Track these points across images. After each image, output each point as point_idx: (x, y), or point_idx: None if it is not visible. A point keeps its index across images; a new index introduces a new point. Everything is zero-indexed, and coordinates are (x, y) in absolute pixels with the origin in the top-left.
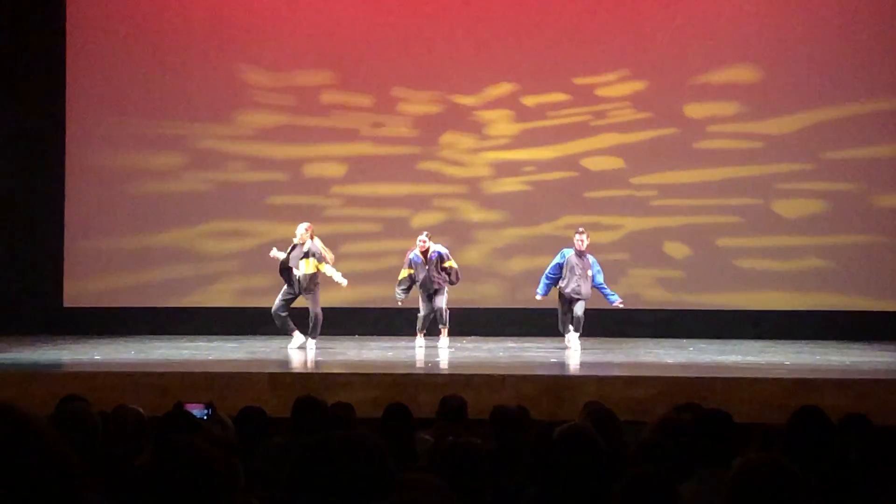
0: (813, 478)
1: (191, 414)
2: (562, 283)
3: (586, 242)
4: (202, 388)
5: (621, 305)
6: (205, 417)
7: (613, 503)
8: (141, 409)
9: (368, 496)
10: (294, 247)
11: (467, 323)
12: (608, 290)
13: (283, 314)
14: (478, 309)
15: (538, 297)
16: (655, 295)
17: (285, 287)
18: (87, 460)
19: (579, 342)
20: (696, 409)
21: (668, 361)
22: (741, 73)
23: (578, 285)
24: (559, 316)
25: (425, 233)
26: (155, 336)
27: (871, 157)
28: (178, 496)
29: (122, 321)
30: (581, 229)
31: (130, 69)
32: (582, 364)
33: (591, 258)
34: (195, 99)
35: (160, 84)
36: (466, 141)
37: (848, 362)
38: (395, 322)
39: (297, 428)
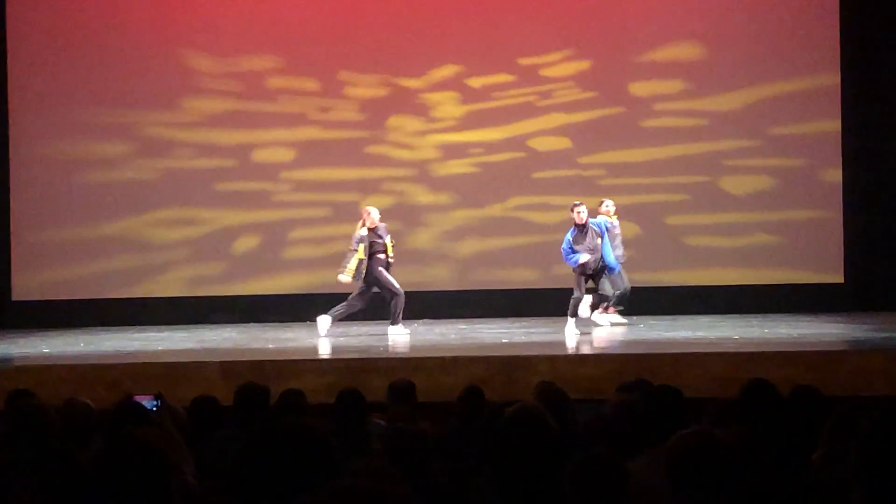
0: (765, 449)
1: (140, 405)
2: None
3: (584, 215)
4: (153, 379)
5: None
6: (154, 409)
7: (564, 482)
8: (90, 403)
9: (314, 482)
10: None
11: (418, 306)
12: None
13: None
14: (428, 292)
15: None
16: None
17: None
18: (39, 455)
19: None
20: (645, 385)
21: (619, 339)
22: (684, 51)
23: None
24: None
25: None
26: (104, 328)
27: (816, 131)
28: (127, 488)
29: (72, 313)
30: (576, 202)
31: (74, 57)
32: (533, 343)
33: (595, 226)
34: (140, 86)
35: (104, 71)
36: (413, 124)
37: (796, 335)
38: None
39: (240, 416)
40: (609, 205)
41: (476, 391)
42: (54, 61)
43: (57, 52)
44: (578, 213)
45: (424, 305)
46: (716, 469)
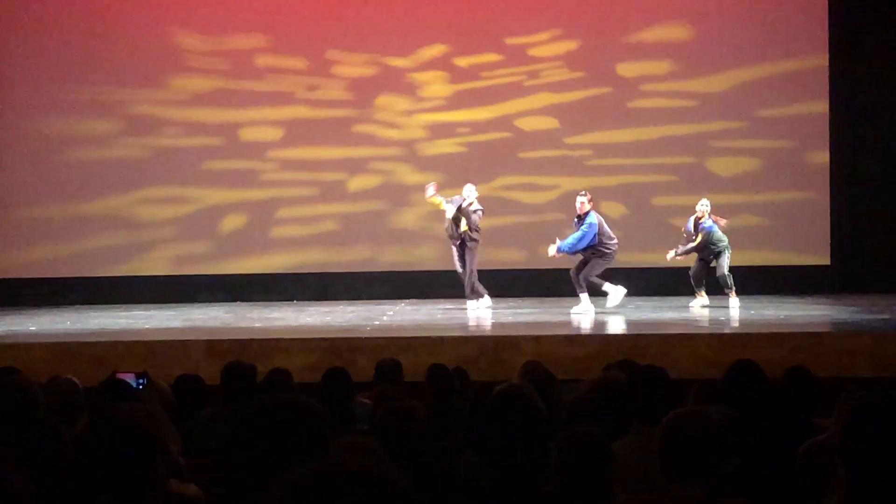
0: (750, 429)
1: (126, 383)
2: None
3: (587, 205)
4: (139, 357)
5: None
6: (139, 387)
7: (550, 462)
8: (76, 380)
9: (303, 459)
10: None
11: (405, 285)
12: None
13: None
14: (415, 271)
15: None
16: None
17: None
18: (23, 433)
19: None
20: (630, 365)
21: (605, 319)
22: (672, 32)
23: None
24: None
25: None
26: (91, 306)
27: (802, 113)
28: (113, 465)
29: (58, 291)
30: (582, 192)
31: (61, 34)
32: (520, 324)
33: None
34: (128, 64)
35: (92, 49)
36: (401, 103)
37: (782, 316)
38: (334, 287)
39: (227, 395)
40: (705, 204)
41: (440, 369)
42: (42, 38)
43: (43, 28)
44: (582, 203)
45: (411, 285)
46: (709, 449)
